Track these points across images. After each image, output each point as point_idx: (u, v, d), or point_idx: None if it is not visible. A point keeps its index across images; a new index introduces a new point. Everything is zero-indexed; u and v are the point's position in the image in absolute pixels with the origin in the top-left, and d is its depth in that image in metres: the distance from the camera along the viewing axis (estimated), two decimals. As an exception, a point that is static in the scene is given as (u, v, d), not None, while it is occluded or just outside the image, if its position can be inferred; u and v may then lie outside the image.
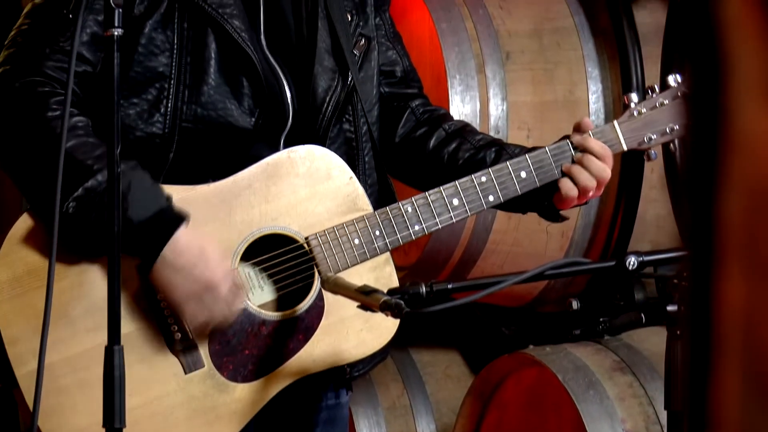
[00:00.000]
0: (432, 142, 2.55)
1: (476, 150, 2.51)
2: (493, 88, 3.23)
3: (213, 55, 2.32)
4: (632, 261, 2.24)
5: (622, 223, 3.32)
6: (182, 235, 2.22)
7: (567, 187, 2.41)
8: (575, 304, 3.33)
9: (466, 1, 3.30)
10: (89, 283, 2.25)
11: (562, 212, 2.49)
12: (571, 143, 2.45)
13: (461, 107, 3.20)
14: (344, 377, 2.46)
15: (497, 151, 2.49)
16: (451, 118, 2.63)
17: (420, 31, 3.33)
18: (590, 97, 3.28)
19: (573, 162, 2.42)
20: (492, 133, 3.20)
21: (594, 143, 2.43)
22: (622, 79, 3.26)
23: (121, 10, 1.94)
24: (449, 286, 2.24)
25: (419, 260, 3.34)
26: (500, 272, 3.31)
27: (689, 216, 0.73)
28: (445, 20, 3.26)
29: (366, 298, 2.17)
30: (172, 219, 2.22)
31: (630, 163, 3.26)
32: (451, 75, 3.21)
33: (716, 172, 0.69)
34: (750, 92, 0.69)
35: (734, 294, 0.71)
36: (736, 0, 0.69)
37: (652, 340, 3.28)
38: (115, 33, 1.94)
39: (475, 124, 3.19)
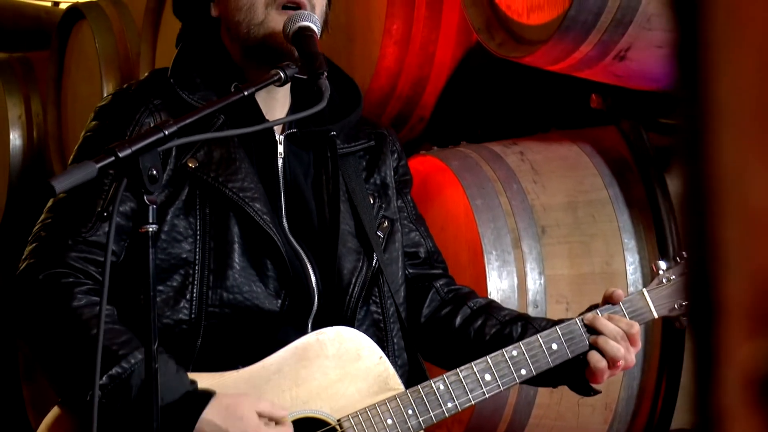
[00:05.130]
0: (458, 321, 2.55)
1: (502, 325, 2.52)
2: (530, 262, 3.24)
3: (236, 239, 2.34)
4: (675, 439, 2.21)
5: (665, 395, 3.28)
6: (210, 411, 2.20)
7: (595, 359, 2.41)
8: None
9: (500, 177, 3.33)
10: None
11: (594, 386, 2.47)
12: (600, 314, 2.46)
13: (498, 283, 3.21)
14: None
15: (523, 325, 2.50)
16: (476, 295, 2.64)
17: (455, 208, 3.36)
18: (628, 268, 3.27)
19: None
20: (530, 308, 3.20)
21: (619, 318, 2.44)
22: (658, 250, 3.27)
23: (155, 206, 1.96)
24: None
25: (462, 438, 3.31)
26: (544, 448, 3.27)
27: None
28: (479, 197, 3.28)
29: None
30: (199, 398, 2.21)
31: (671, 333, 3.24)
32: (488, 251, 3.22)
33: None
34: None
35: None
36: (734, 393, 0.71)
37: None
38: (150, 230, 1.95)
39: (513, 299, 3.19)
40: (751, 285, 0.69)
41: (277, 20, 2.40)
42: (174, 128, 2.00)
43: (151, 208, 1.94)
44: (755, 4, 0.67)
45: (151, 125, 2.28)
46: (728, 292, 0.70)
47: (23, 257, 2.33)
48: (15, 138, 6.08)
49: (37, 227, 2.37)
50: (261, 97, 2.44)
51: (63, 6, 7.01)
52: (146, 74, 2.58)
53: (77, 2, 5.75)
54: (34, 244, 2.33)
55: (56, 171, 5.55)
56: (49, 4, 7.36)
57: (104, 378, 2.17)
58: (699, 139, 0.70)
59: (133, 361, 2.18)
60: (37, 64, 6.24)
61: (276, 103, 2.49)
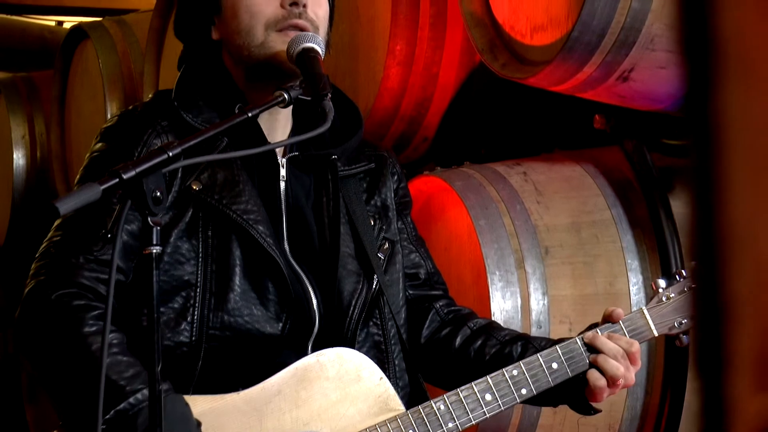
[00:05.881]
0: (458, 341, 2.55)
1: (502, 345, 2.52)
2: (533, 283, 3.24)
3: (238, 262, 2.34)
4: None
5: (668, 415, 3.27)
6: None
7: (594, 377, 2.42)
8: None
9: (503, 198, 3.33)
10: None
11: (594, 405, 2.47)
12: (600, 332, 2.46)
13: (502, 303, 3.20)
14: None
15: (523, 345, 2.50)
16: (476, 316, 2.64)
17: (458, 228, 3.36)
18: (631, 288, 3.27)
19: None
20: (534, 328, 3.19)
21: (618, 337, 2.45)
22: (662, 270, 3.26)
23: (159, 228, 1.95)
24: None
25: (465, 458, 3.30)
26: (548, 469, 3.26)
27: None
28: (483, 217, 3.28)
29: None
30: None
31: (674, 353, 3.24)
32: (491, 271, 3.22)
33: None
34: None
35: None
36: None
37: None
38: (154, 251, 1.93)
39: (517, 319, 3.19)
40: (761, 339, 0.68)
41: (277, 42, 2.40)
42: (178, 150, 1.99)
43: (155, 229, 1.93)
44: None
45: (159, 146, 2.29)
46: (738, 346, 0.69)
47: (32, 274, 2.32)
48: (18, 157, 6.09)
49: (45, 245, 2.36)
50: (263, 120, 2.44)
51: (67, 25, 7.03)
52: (150, 95, 2.58)
53: (81, 22, 5.76)
54: (44, 261, 2.32)
55: (59, 190, 5.56)
56: (53, 23, 7.39)
57: (111, 413, 2.15)
58: (711, 191, 0.69)
59: (140, 397, 2.16)
60: (40, 83, 6.25)
61: (278, 125, 2.49)
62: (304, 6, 2.41)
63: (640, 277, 3.29)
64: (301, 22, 2.40)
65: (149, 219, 1.93)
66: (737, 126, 0.68)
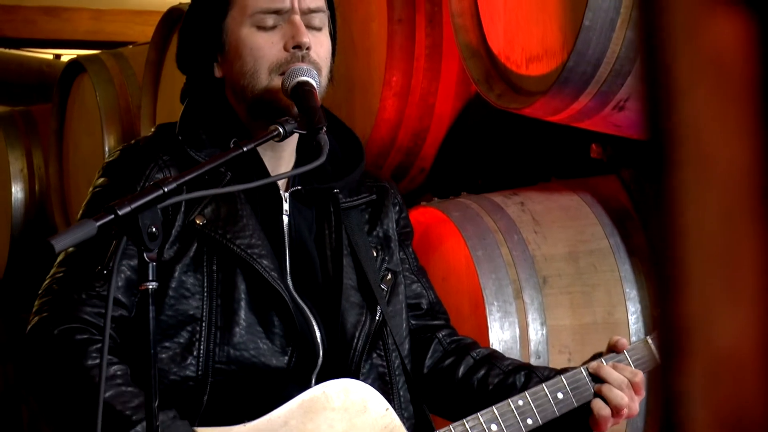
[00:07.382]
0: (461, 371, 2.55)
1: (506, 375, 2.51)
2: (531, 313, 3.24)
3: (243, 296, 2.34)
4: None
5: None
6: None
7: (598, 406, 2.41)
8: None
9: (501, 228, 3.33)
10: None
11: None
12: (604, 362, 2.46)
13: (500, 334, 3.20)
14: None
15: (527, 374, 2.50)
16: (478, 346, 2.64)
17: (456, 258, 3.36)
18: (630, 317, 3.27)
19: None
20: (533, 358, 3.19)
21: (623, 366, 2.44)
22: (660, 299, 3.26)
23: (155, 263, 1.96)
24: None
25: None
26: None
27: None
28: (480, 247, 3.28)
29: None
30: None
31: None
32: (489, 302, 3.21)
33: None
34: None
35: None
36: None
37: None
38: (150, 287, 1.93)
39: (516, 349, 3.18)
40: (714, 423, 0.69)
41: (278, 84, 2.40)
42: (173, 185, 1.99)
43: (151, 265, 1.93)
44: (721, 151, 0.68)
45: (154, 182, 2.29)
46: (693, 429, 0.70)
47: (35, 310, 2.32)
48: (17, 191, 6.10)
49: (48, 281, 2.36)
50: (267, 156, 2.44)
51: (65, 59, 7.06)
52: (153, 129, 2.58)
53: (78, 55, 5.78)
54: (46, 298, 2.32)
55: (58, 224, 5.56)
56: (50, 57, 7.42)
57: None
58: (667, 278, 0.70)
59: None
60: (39, 117, 6.27)
61: (282, 162, 2.49)
62: (308, 48, 2.41)
63: (639, 306, 3.28)
64: (304, 65, 2.40)
65: (145, 255, 1.93)
66: (693, 223, 0.69)
